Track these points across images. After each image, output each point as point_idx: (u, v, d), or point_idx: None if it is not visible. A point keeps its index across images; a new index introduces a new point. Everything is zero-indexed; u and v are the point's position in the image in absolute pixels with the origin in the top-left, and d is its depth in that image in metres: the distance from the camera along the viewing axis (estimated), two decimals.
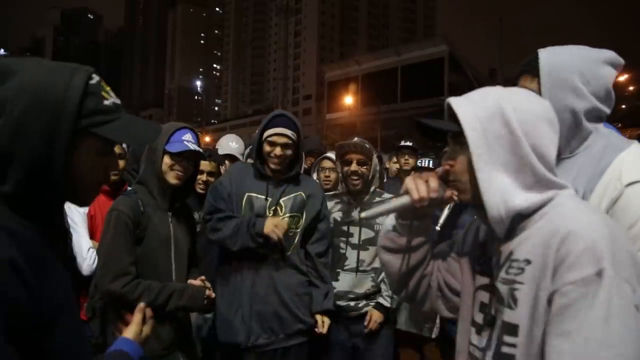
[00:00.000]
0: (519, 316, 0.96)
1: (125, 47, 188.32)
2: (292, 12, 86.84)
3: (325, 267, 2.51)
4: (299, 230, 2.44)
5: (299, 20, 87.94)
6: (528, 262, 0.96)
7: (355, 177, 2.60)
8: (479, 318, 1.10)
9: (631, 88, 36.66)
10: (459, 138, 1.07)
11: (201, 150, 2.14)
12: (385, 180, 4.61)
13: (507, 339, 0.98)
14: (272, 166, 2.35)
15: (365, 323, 2.63)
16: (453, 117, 1.07)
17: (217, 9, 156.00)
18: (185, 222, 2.24)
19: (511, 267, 1.00)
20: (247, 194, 2.37)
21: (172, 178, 2.09)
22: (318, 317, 2.43)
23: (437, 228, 2.05)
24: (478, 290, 1.14)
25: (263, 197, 2.37)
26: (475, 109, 1.03)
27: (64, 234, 1.01)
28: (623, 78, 35.52)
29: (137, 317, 1.25)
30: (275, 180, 2.41)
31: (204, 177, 2.98)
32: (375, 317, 2.63)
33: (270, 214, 2.35)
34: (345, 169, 2.63)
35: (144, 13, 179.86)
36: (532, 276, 0.94)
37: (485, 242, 1.16)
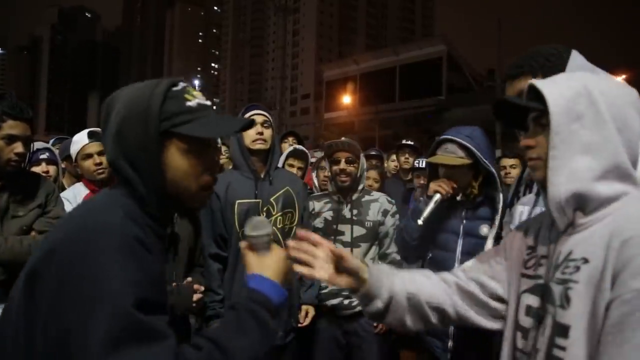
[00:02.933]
0: (571, 316, 0.91)
1: (123, 46, 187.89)
2: (291, 11, 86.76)
3: None
4: (294, 225, 2.51)
5: (298, 19, 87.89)
6: (585, 260, 0.91)
7: (344, 175, 2.65)
8: (526, 322, 1.06)
9: None
10: (540, 119, 1.03)
11: None
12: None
13: (558, 341, 0.93)
14: (257, 146, 2.43)
15: (375, 325, 2.67)
16: (535, 100, 1.04)
17: (215, 7, 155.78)
18: (189, 221, 2.24)
19: (567, 267, 0.95)
20: (237, 201, 2.40)
21: None
22: (303, 308, 2.52)
23: (420, 222, 2.06)
24: (524, 293, 1.09)
25: (252, 200, 2.41)
26: (561, 88, 0.99)
27: (174, 240, 1.06)
28: (620, 79, 35.63)
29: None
30: (260, 176, 2.46)
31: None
32: None
33: (264, 216, 2.38)
34: (334, 167, 2.69)
35: (142, 12, 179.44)
36: (588, 276, 0.90)
37: (535, 245, 1.12)
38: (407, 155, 4.46)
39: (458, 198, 2.19)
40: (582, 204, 0.96)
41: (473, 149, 2.07)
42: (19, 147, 1.86)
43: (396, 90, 45.23)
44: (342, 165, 2.65)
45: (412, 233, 2.20)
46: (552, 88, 1.00)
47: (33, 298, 0.81)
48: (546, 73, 1.33)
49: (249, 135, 2.43)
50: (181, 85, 1.02)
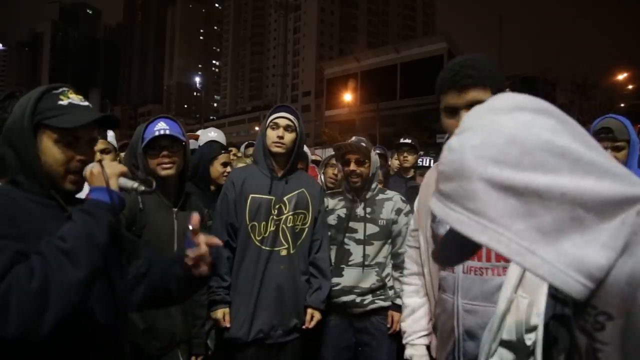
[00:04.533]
0: None
1: (124, 42, 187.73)
2: (292, 8, 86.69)
3: (324, 262, 2.60)
4: (306, 227, 2.55)
5: (299, 17, 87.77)
6: (609, 317, 0.69)
7: (355, 176, 2.69)
8: None
9: (630, 87, 36.76)
10: None
11: (174, 134, 2.13)
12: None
13: None
14: (275, 149, 2.47)
15: (388, 325, 2.69)
16: None
17: (217, 5, 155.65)
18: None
19: (587, 314, 0.72)
20: (250, 195, 2.46)
21: (160, 171, 2.10)
22: (308, 311, 2.53)
23: None
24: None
25: (266, 196, 2.46)
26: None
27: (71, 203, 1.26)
28: (622, 77, 35.60)
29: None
30: (278, 175, 2.52)
31: (228, 168, 3.01)
32: (397, 318, 2.69)
33: (275, 212, 2.46)
34: (346, 168, 2.72)
35: (143, 8, 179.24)
36: (616, 336, 0.68)
37: None
38: (405, 154, 4.49)
39: None
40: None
41: None
42: None
43: (397, 87, 45.21)
44: (352, 166, 2.68)
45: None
46: None
47: None
48: (493, 84, 1.40)
49: (270, 136, 2.49)
50: (61, 89, 1.27)
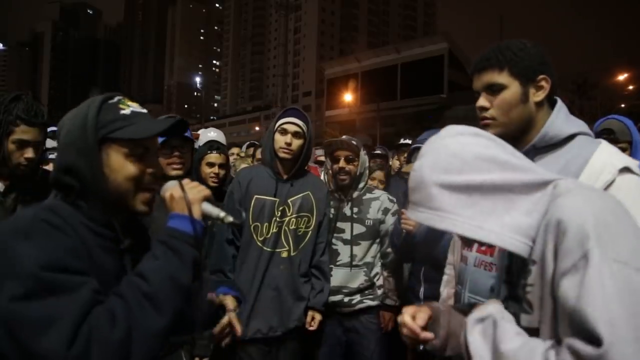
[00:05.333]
0: (536, 319, 0.95)
1: (124, 42, 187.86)
2: (292, 8, 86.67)
3: (327, 265, 2.62)
4: (310, 230, 2.54)
5: (299, 17, 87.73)
6: (533, 262, 0.95)
7: (343, 174, 2.68)
8: None
9: (630, 87, 36.69)
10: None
11: (186, 135, 2.14)
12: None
13: None
14: (282, 154, 2.46)
15: (382, 326, 2.74)
16: None
17: (217, 5, 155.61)
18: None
19: (525, 272, 1.00)
20: (255, 196, 2.46)
21: (170, 171, 2.11)
22: (309, 313, 2.54)
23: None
24: (505, 301, 1.12)
25: (271, 197, 2.46)
26: None
27: (137, 237, 1.17)
28: (622, 77, 35.56)
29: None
30: (283, 178, 2.51)
31: (215, 169, 2.93)
32: (388, 317, 2.76)
33: (278, 214, 2.45)
34: (334, 166, 2.71)
35: (144, 9, 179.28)
36: (537, 275, 0.94)
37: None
38: (405, 154, 4.48)
39: None
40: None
41: None
42: (29, 153, 1.85)
43: (398, 87, 45.20)
44: (342, 163, 2.67)
45: (397, 236, 2.54)
46: None
47: None
48: (512, 67, 1.36)
49: (278, 141, 2.47)
50: (117, 98, 1.13)
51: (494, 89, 1.38)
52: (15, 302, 0.83)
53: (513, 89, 1.36)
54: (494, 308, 1.02)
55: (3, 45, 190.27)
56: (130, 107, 1.12)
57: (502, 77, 1.37)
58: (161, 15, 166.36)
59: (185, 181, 1.16)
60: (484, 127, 1.37)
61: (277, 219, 2.46)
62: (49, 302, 0.84)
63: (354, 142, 2.69)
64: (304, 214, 2.52)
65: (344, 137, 2.76)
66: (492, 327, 0.97)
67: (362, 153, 2.73)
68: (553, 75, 1.39)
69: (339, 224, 2.73)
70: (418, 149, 2.27)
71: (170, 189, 1.13)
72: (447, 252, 2.19)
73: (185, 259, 1.02)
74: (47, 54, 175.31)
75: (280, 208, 2.47)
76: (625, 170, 1.23)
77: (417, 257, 2.58)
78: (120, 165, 1.07)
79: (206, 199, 1.14)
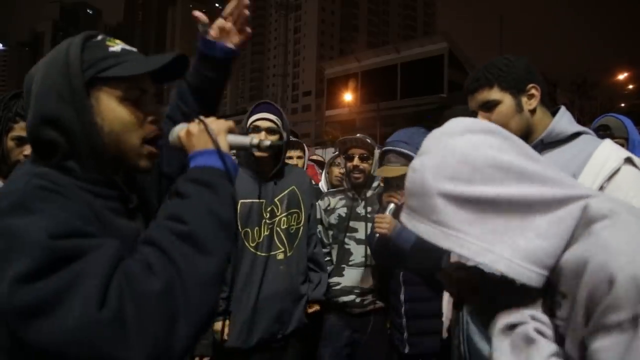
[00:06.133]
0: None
1: (124, 42, 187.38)
2: (292, 8, 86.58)
3: (321, 256, 2.60)
4: (301, 226, 2.49)
5: (299, 17, 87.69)
6: (564, 295, 0.82)
7: (357, 172, 2.64)
8: None
9: (630, 86, 36.75)
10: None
11: None
12: None
13: None
14: (258, 154, 2.32)
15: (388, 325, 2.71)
16: None
17: (217, 4, 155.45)
18: None
19: (554, 302, 0.85)
20: (240, 201, 2.33)
21: None
22: (309, 305, 2.51)
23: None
24: None
25: (256, 200, 2.36)
26: None
27: (137, 195, 1.01)
28: (622, 76, 35.61)
29: None
30: (264, 176, 2.41)
31: None
32: None
33: (267, 216, 2.37)
34: (349, 164, 2.67)
35: (144, 8, 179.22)
36: (567, 312, 0.80)
37: None
38: None
39: None
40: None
41: (412, 154, 2.16)
42: (28, 150, 1.84)
43: (398, 87, 45.17)
44: (356, 161, 2.63)
45: (371, 240, 2.43)
46: None
47: None
48: (502, 82, 1.46)
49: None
50: (100, 36, 0.95)
51: (489, 106, 1.47)
52: (29, 279, 0.67)
53: (507, 102, 1.45)
54: (529, 313, 0.87)
55: (3, 46, 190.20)
56: (119, 45, 0.94)
57: (493, 94, 1.47)
58: (161, 15, 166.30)
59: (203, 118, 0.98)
60: None
61: (267, 221, 2.37)
62: (69, 269, 0.69)
63: (369, 140, 2.65)
64: (293, 211, 2.45)
65: (358, 135, 2.71)
66: (524, 342, 0.83)
67: (376, 151, 2.68)
68: (541, 82, 1.47)
69: (352, 223, 2.68)
70: (389, 151, 2.27)
71: (184, 127, 0.97)
72: (440, 261, 2.16)
73: (223, 194, 0.85)
74: (47, 53, 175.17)
75: (268, 209, 2.38)
76: (629, 161, 1.28)
77: (409, 265, 2.46)
78: (115, 112, 0.89)
79: (230, 131, 0.98)
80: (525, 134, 1.44)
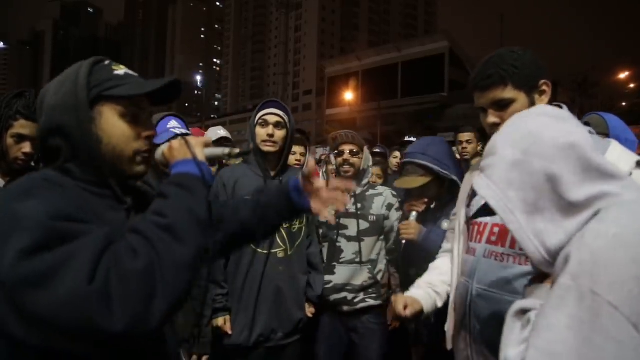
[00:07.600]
0: None
1: (125, 41, 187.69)
2: (293, 6, 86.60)
3: (317, 256, 2.59)
4: (303, 225, 2.49)
5: (300, 15, 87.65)
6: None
7: (347, 165, 2.65)
8: None
9: (631, 85, 36.67)
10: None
11: (190, 133, 2.14)
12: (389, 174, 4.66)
13: None
14: (265, 148, 2.39)
15: (389, 323, 2.75)
16: None
17: (218, 3, 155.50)
18: None
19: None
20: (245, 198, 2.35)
21: None
22: (306, 305, 2.52)
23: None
24: None
25: None
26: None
27: (137, 197, 1.14)
28: (623, 75, 35.54)
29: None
30: (271, 175, 2.43)
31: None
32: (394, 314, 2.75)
33: None
34: (339, 159, 2.69)
35: (144, 7, 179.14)
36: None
37: None
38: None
39: (432, 206, 2.45)
40: None
41: (429, 164, 2.29)
42: (26, 147, 1.86)
43: (398, 86, 45.21)
44: (346, 156, 2.66)
45: (403, 249, 2.53)
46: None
47: None
48: (515, 80, 1.40)
49: (260, 134, 2.40)
50: (107, 61, 1.10)
51: (502, 105, 1.41)
52: (27, 253, 0.78)
53: (521, 100, 1.40)
54: (540, 303, 0.87)
55: (4, 44, 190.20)
56: (123, 69, 1.09)
57: (508, 92, 1.41)
58: (162, 13, 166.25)
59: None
60: None
61: None
62: (63, 248, 0.80)
63: (359, 137, 2.70)
64: None
65: (347, 130, 2.74)
66: (527, 323, 0.87)
67: (366, 149, 2.72)
68: (549, 76, 1.43)
69: (343, 220, 2.68)
70: (408, 163, 2.36)
71: (166, 145, 1.12)
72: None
73: (199, 196, 0.98)
74: (47, 52, 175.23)
75: None
76: (638, 164, 1.28)
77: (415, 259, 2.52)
78: (115, 126, 1.04)
79: (207, 145, 1.13)
80: None
